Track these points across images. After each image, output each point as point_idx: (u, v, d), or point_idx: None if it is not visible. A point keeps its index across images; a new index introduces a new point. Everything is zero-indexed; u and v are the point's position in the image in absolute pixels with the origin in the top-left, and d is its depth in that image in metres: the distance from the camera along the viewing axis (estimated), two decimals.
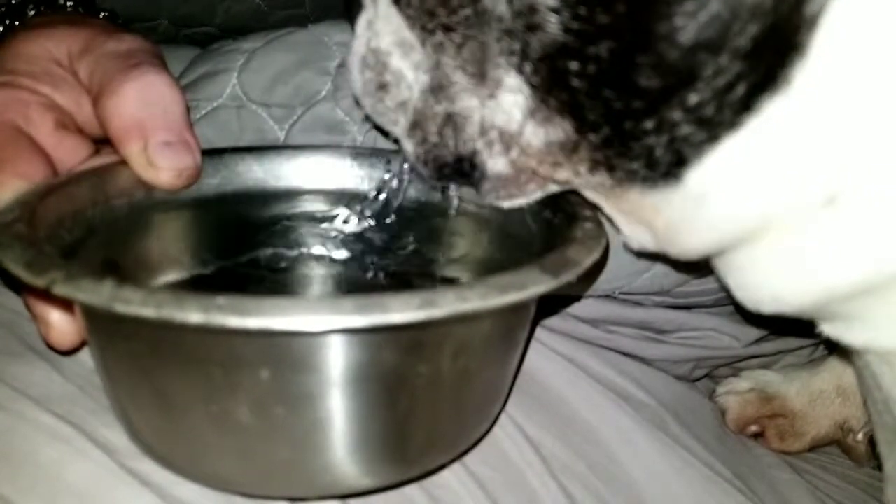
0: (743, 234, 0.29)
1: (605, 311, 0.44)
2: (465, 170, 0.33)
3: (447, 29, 0.29)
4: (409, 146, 0.33)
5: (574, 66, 0.26)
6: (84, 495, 0.28)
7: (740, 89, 0.25)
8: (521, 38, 0.26)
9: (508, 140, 0.30)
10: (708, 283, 0.42)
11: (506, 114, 0.29)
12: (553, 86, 0.27)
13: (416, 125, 0.32)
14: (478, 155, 0.31)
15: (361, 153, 0.40)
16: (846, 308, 0.29)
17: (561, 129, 0.28)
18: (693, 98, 0.25)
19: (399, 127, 0.33)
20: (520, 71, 0.27)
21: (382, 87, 0.32)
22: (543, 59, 0.26)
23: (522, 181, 0.32)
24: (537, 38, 0.26)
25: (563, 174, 0.30)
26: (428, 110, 0.31)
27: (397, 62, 0.31)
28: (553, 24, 0.25)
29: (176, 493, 0.29)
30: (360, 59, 0.33)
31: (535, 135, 0.29)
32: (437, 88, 0.30)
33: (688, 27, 0.24)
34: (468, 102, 0.30)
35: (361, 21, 0.33)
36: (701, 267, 0.34)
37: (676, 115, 0.26)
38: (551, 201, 0.34)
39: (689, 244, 0.30)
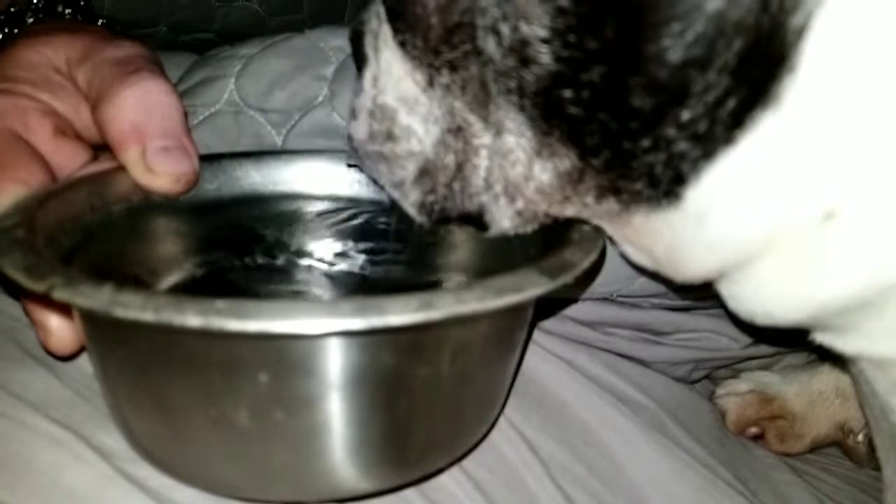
0: (744, 257, 0.28)
1: (602, 313, 0.44)
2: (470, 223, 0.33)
3: (452, 67, 0.29)
4: (411, 195, 0.33)
5: (569, 93, 0.26)
6: (82, 500, 0.28)
7: (731, 104, 0.25)
8: (515, 75, 0.27)
9: (513, 191, 0.30)
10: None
11: (511, 155, 0.29)
12: (552, 116, 0.27)
13: (424, 173, 0.32)
14: (486, 212, 0.32)
15: None
16: (839, 320, 0.29)
17: (567, 159, 0.28)
18: (685, 115, 0.25)
19: (407, 173, 0.33)
20: (520, 109, 0.28)
21: (391, 137, 0.32)
22: (539, 91, 0.27)
23: (530, 221, 0.32)
24: (531, 72, 0.26)
25: (572, 209, 0.31)
26: (439, 161, 0.31)
27: (405, 118, 0.31)
28: (545, 55, 0.26)
29: (174, 498, 0.29)
30: (368, 112, 0.33)
31: (545, 170, 0.29)
32: (456, 131, 0.30)
33: (675, 47, 0.24)
34: (480, 141, 0.30)
35: (367, 76, 0.33)
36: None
37: (671, 132, 0.26)
38: None
39: (690, 268, 0.30)
